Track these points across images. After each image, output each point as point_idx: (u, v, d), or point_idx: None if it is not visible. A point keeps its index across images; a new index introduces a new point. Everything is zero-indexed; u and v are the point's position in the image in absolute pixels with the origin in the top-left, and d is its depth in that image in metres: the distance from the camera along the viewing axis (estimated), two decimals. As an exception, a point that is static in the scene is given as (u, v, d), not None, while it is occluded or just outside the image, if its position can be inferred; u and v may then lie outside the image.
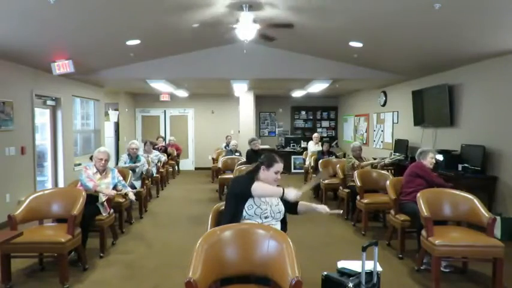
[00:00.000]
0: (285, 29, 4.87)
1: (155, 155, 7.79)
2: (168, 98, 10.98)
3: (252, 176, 2.74)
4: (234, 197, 2.69)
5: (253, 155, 6.74)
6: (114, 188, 4.48)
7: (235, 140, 9.30)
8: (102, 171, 4.41)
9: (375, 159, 6.59)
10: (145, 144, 7.82)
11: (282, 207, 2.75)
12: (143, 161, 6.20)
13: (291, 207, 2.86)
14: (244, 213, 2.63)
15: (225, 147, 9.94)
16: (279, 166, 2.74)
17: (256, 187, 2.62)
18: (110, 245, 4.54)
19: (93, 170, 4.36)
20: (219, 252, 2.35)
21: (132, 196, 4.61)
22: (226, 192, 2.77)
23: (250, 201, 2.65)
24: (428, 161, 4.31)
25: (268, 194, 2.68)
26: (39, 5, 3.72)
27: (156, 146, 9.27)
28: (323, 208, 2.87)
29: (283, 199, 2.74)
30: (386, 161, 6.72)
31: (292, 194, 2.63)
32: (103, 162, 4.37)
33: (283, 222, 2.80)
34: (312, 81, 8.29)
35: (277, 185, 2.76)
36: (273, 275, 2.29)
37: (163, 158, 8.26)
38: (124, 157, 6.18)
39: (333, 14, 4.61)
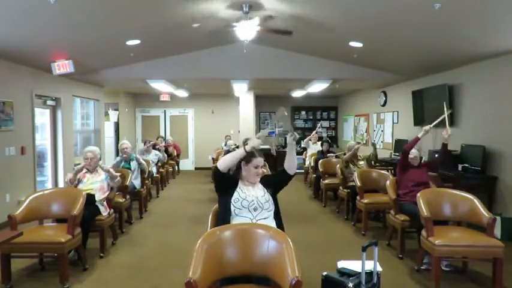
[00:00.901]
0: (285, 35, 4.89)
1: (155, 154, 7.77)
2: (168, 98, 10.98)
3: (235, 173, 2.80)
4: (219, 193, 2.77)
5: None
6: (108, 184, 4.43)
7: (232, 140, 9.32)
8: (92, 170, 4.34)
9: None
10: (144, 144, 7.81)
11: (268, 197, 2.72)
12: (134, 157, 6.12)
13: (280, 175, 2.83)
14: (232, 207, 2.63)
15: (223, 147, 9.93)
16: (257, 161, 2.72)
17: (220, 162, 2.66)
18: (110, 245, 4.54)
19: (83, 170, 4.33)
20: (219, 252, 2.35)
21: (113, 172, 4.44)
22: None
23: (236, 195, 2.67)
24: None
25: (231, 158, 2.65)
26: (39, 5, 3.72)
27: (157, 146, 9.25)
28: (290, 138, 2.69)
29: (270, 188, 2.75)
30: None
31: (250, 144, 2.61)
32: (88, 161, 4.32)
33: (278, 219, 2.75)
34: (312, 81, 8.29)
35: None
36: (273, 275, 2.29)
37: (161, 156, 8.11)
38: (118, 159, 6.15)
39: (333, 14, 4.61)
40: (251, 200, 2.66)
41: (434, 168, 4.73)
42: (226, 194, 2.69)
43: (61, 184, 7.21)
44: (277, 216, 2.76)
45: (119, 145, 6.22)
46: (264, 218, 2.64)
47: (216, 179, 2.77)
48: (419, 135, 4.37)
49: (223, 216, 2.66)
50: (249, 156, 2.72)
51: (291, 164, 2.77)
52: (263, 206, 2.66)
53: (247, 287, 2.40)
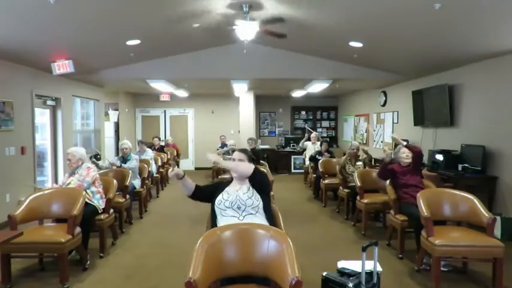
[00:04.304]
0: (278, 37, 4.89)
1: (147, 153, 7.75)
2: (168, 98, 10.98)
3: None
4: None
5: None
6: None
7: (232, 140, 9.33)
8: (74, 170, 4.26)
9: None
10: (138, 144, 7.89)
11: (252, 193, 2.70)
12: (134, 158, 6.13)
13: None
14: (216, 209, 2.69)
15: (219, 148, 9.91)
16: (234, 155, 2.96)
17: None
18: (110, 245, 4.54)
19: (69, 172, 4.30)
20: (219, 252, 2.35)
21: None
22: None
23: (219, 197, 2.74)
24: (400, 156, 4.46)
25: (182, 186, 2.87)
26: (39, 5, 3.72)
27: (153, 146, 9.27)
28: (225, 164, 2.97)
29: (255, 186, 2.79)
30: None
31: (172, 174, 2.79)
32: (68, 162, 4.27)
33: (269, 217, 2.71)
34: (312, 81, 8.29)
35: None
36: (273, 275, 2.29)
37: (152, 154, 8.06)
38: (117, 157, 6.20)
39: (333, 14, 4.62)
40: (233, 199, 2.68)
41: (418, 166, 4.52)
42: (213, 201, 2.78)
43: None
44: (267, 213, 2.71)
45: (120, 144, 6.25)
46: (251, 214, 2.63)
47: (200, 200, 2.91)
48: (385, 160, 4.59)
49: (212, 219, 2.74)
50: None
51: (237, 173, 2.83)
52: (246, 203, 2.66)
53: (247, 287, 2.40)
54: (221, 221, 2.65)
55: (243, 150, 3.01)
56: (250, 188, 2.75)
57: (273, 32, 4.92)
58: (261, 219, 2.65)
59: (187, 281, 2.03)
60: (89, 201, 4.12)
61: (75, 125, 8.29)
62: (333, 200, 7.06)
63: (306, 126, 9.38)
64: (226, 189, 2.80)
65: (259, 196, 2.71)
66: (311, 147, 8.96)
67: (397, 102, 8.35)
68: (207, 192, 2.88)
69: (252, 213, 2.64)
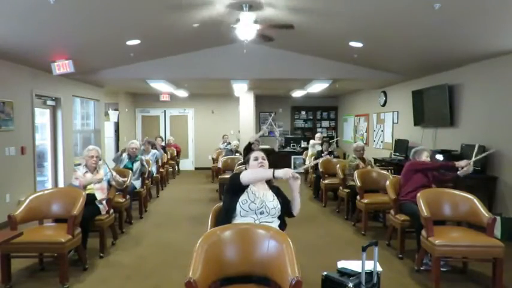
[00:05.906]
0: (285, 29, 4.85)
1: (152, 154, 7.76)
2: (168, 98, 10.99)
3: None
4: (228, 192, 2.75)
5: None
6: (108, 183, 4.44)
7: (236, 141, 9.35)
8: (93, 169, 4.33)
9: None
10: (144, 144, 7.84)
11: (277, 203, 2.71)
12: (140, 158, 6.17)
13: (288, 205, 2.82)
14: (239, 208, 2.60)
15: (221, 146, 9.92)
16: (255, 154, 2.84)
17: (244, 174, 2.65)
18: (110, 245, 4.54)
19: (82, 170, 4.30)
20: (219, 252, 2.35)
21: (119, 178, 4.55)
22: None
23: (244, 196, 2.64)
24: (423, 159, 4.34)
25: (257, 176, 2.68)
26: (39, 5, 3.72)
27: (155, 146, 9.26)
28: (294, 181, 2.64)
29: (280, 198, 2.76)
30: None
31: (281, 172, 2.58)
32: (94, 159, 4.30)
33: (282, 221, 2.77)
34: (312, 81, 8.29)
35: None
36: (272, 275, 2.29)
37: (159, 153, 8.07)
38: (123, 156, 6.18)
39: (333, 14, 4.61)
40: (260, 203, 2.63)
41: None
42: (236, 195, 2.66)
43: (61, 184, 7.21)
44: (282, 219, 2.75)
45: (128, 144, 6.23)
46: (267, 222, 2.62)
47: (233, 184, 2.68)
48: (459, 172, 4.20)
49: (226, 214, 2.64)
50: (247, 155, 2.87)
51: (296, 207, 2.79)
52: (270, 212, 2.64)
53: (247, 287, 2.40)
54: (238, 221, 2.60)
55: (263, 150, 2.98)
56: (275, 197, 2.74)
57: (279, 25, 4.89)
58: (274, 225, 2.65)
59: (187, 281, 2.03)
60: (100, 204, 4.19)
61: (75, 125, 8.30)
62: (333, 200, 7.06)
63: (337, 139, 9.28)
64: (251, 188, 2.69)
65: (281, 207, 2.72)
66: (315, 147, 8.96)
67: (397, 102, 8.35)
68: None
69: (268, 221, 2.63)
